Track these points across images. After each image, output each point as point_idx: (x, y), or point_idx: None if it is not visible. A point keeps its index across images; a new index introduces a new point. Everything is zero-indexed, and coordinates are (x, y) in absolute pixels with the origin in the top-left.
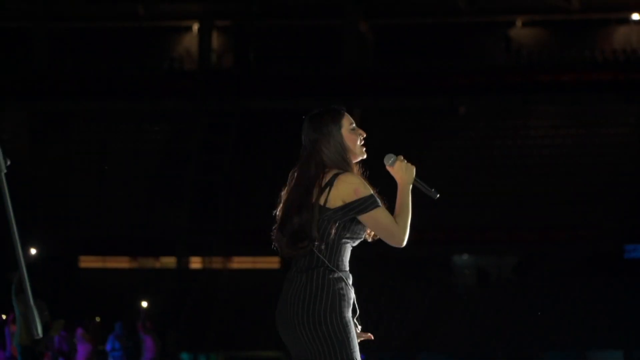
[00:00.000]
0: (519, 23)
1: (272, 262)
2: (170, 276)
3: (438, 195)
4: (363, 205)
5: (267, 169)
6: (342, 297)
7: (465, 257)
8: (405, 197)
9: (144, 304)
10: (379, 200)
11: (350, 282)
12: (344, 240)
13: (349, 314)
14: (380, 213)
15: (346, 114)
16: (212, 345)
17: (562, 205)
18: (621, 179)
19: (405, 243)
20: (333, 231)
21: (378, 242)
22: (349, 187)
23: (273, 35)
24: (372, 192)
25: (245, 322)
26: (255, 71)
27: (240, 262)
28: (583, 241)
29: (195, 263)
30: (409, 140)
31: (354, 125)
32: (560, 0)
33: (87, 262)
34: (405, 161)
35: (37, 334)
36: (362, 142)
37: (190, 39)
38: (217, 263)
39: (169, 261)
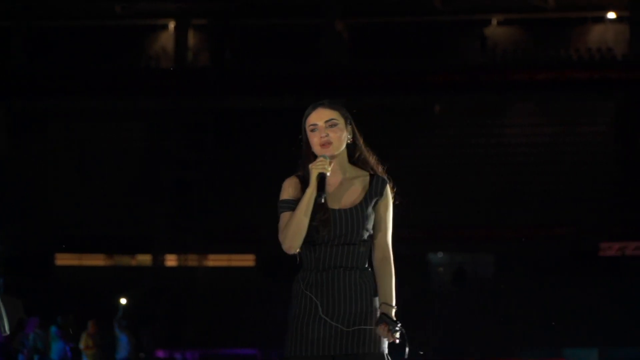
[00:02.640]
0: (494, 22)
1: (247, 260)
2: (146, 274)
3: (323, 201)
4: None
5: (244, 167)
6: (295, 296)
7: (441, 255)
8: (299, 202)
9: (123, 301)
10: (285, 206)
11: (312, 280)
12: None
13: (297, 314)
14: (280, 219)
15: (312, 112)
16: (188, 342)
17: (539, 203)
18: (598, 177)
19: (289, 249)
20: None
21: None
22: None
23: (249, 34)
24: (283, 197)
25: (221, 319)
26: (231, 69)
27: (215, 260)
28: (560, 239)
29: (171, 261)
30: (385, 138)
31: (313, 125)
32: None
33: (64, 259)
34: (319, 164)
35: (4, 331)
36: (321, 141)
37: (167, 38)
38: (192, 261)
39: (145, 259)
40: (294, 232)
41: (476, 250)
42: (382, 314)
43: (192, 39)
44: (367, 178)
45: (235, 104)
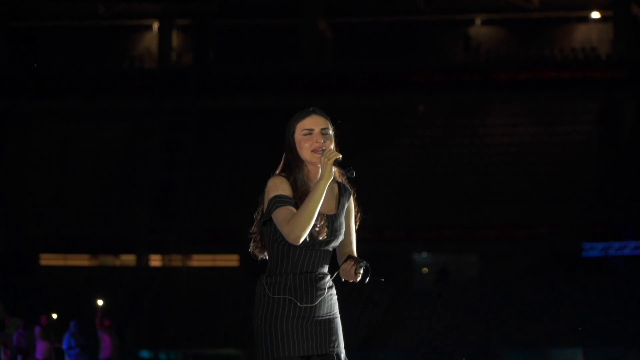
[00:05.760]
0: (478, 21)
1: (231, 260)
2: (130, 274)
3: (354, 174)
4: (269, 207)
5: (226, 167)
6: (263, 301)
7: (424, 255)
8: (311, 193)
9: (100, 302)
10: (284, 200)
11: (284, 284)
12: (276, 243)
13: (272, 317)
14: (278, 213)
15: (306, 117)
16: (172, 342)
17: (521, 203)
18: (580, 177)
19: (297, 239)
20: (266, 235)
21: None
22: (266, 192)
23: (232, 34)
24: (279, 193)
25: (205, 319)
26: (214, 70)
27: (199, 260)
28: (542, 239)
29: (155, 261)
30: (368, 138)
31: (308, 129)
32: None
33: (48, 259)
34: (330, 154)
35: None
36: (315, 147)
37: (150, 38)
38: (176, 261)
39: (129, 259)
40: (306, 223)
41: (460, 250)
42: (349, 255)
43: (176, 39)
44: (335, 186)
45: (218, 104)
